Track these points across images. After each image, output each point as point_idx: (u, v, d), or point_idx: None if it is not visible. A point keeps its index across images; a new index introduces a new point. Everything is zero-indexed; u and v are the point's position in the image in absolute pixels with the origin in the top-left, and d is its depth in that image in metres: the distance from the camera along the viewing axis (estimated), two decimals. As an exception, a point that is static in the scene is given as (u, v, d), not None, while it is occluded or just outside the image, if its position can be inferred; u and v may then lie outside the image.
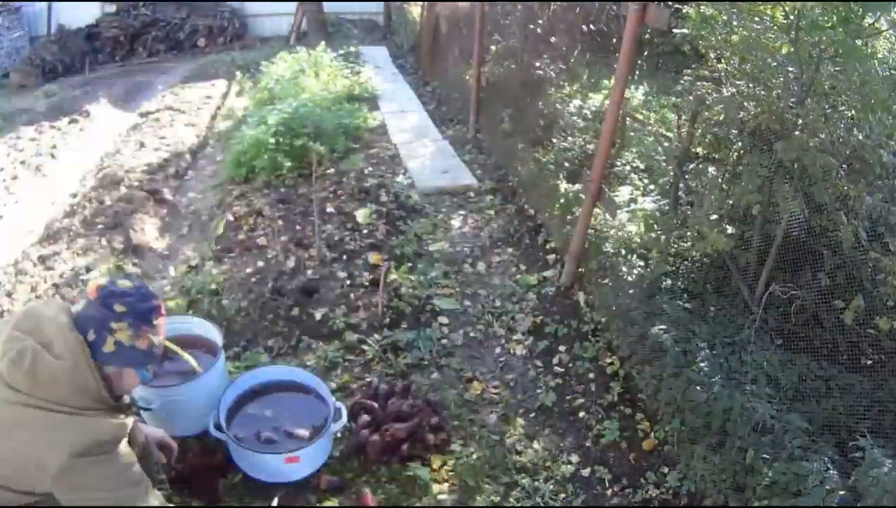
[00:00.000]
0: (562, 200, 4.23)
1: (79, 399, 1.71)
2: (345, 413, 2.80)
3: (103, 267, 4.22)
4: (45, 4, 10.81)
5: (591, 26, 4.93)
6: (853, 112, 2.61)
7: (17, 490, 1.73)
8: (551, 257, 4.38)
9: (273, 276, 3.98)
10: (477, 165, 6.02)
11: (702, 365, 2.74)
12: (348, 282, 3.98)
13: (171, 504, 1.98)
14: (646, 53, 4.66)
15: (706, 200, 3.19)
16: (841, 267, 2.83)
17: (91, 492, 1.72)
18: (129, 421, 1.88)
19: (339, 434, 2.90)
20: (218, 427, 2.65)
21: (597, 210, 3.91)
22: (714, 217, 3.12)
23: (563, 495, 2.75)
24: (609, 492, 2.78)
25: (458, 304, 3.96)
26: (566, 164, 4.57)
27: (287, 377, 3.02)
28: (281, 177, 5.40)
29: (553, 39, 5.13)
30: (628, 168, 4.31)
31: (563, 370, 3.46)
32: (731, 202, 3.14)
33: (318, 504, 2.60)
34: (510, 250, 4.60)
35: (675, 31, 3.20)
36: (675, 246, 3.49)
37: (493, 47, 6.11)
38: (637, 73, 4.54)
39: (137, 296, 1.81)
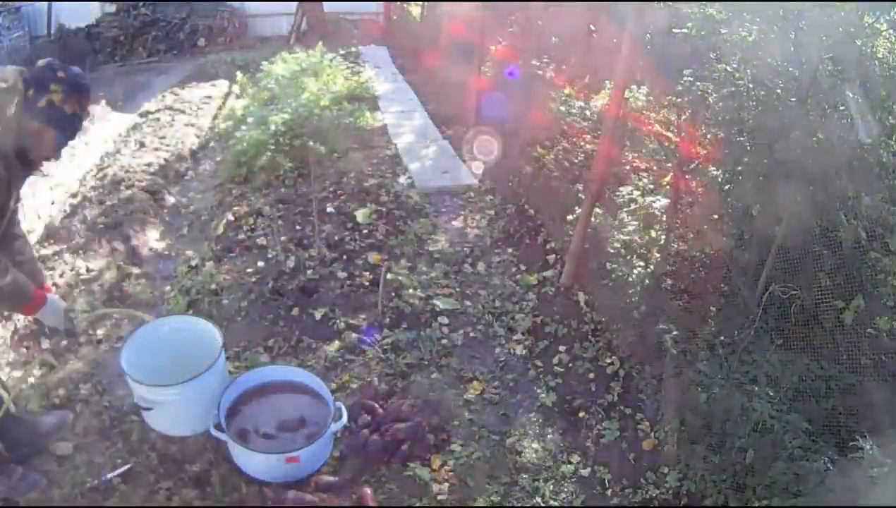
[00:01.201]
0: (562, 200, 4.23)
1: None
2: (345, 413, 2.80)
3: (103, 267, 4.22)
4: (45, 4, 10.81)
5: (592, 27, 4.93)
6: (852, 112, 2.61)
7: None
8: (551, 257, 4.38)
9: (273, 276, 3.98)
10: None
11: (702, 365, 2.74)
12: (348, 282, 3.98)
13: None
14: (646, 54, 4.65)
15: (706, 200, 3.19)
16: (841, 267, 2.83)
17: None
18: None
19: (338, 435, 2.90)
20: (218, 426, 2.65)
21: (597, 210, 3.91)
22: (714, 217, 3.12)
23: (563, 495, 2.75)
24: (609, 492, 2.78)
25: (458, 304, 3.96)
26: (566, 164, 4.57)
27: (287, 377, 3.02)
28: (281, 177, 5.39)
29: (554, 40, 5.14)
30: (628, 168, 4.32)
31: (563, 370, 3.46)
32: (733, 203, 3.14)
33: (317, 504, 2.60)
34: (510, 250, 4.60)
35: (675, 30, 3.20)
36: (676, 246, 3.49)
37: (493, 47, 6.10)
38: (638, 74, 4.54)
39: (79, 75, 2.25)
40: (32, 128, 2.18)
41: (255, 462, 2.63)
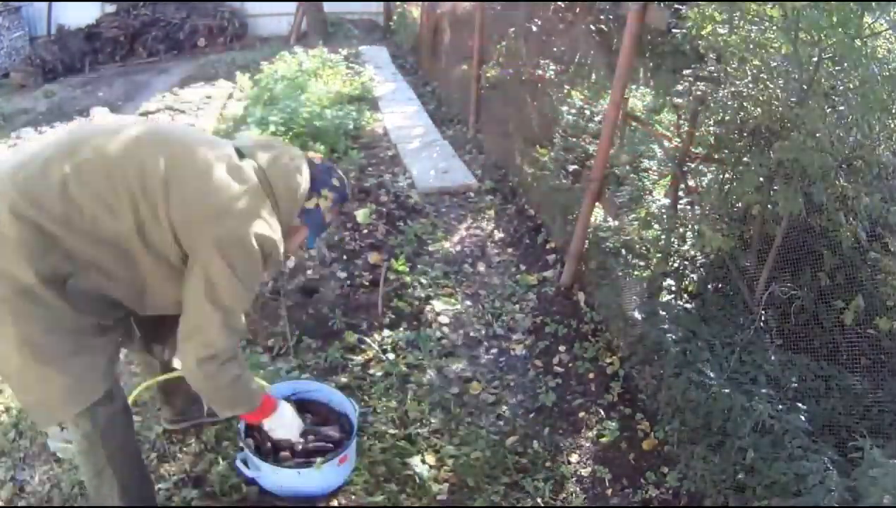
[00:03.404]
0: (562, 200, 4.24)
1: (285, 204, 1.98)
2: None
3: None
4: (45, 4, 10.81)
5: (592, 26, 4.93)
6: (852, 112, 2.61)
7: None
8: (551, 257, 4.38)
9: (273, 276, 3.98)
10: (477, 165, 6.03)
11: (702, 365, 2.73)
12: (348, 282, 3.98)
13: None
14: (647, 54, 4.65)
15: (706, 200, 3.19)
16: (841, 267, 2.83)
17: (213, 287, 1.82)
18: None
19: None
20: (245, 461, 2.48)
21: (597, 210, 3.91)
22: (714, 216, 3.12)
23: (563, 495, 2.75)
24: (609, 492, 2.78)
25: (459, 304, 3.96)
26: (566, 165, 4.57)
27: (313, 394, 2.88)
28: (281, 177, 5.39)
29: (554, 39, 5.13)
30: (628, 168, 4.31)
31: (563, 370, 3.46)
32: (733, 203, 3.14)
33: (317, 504, 2.60)
34: (510, 250, 4.60)
35: (674, 30, 3.20)
36: (675, 245, 3.49)
37: (495, 46, 6.11)
38: (642, 74, 4.54)
39: (344, 183, 2.20)
40: (293, 226, 2.09)
41: (307, 480, 2.45)
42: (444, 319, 3.82)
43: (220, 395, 2.00)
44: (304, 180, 2.03)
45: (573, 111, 4.89)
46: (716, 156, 3.26)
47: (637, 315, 3.20)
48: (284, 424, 2.35)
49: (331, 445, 2.55)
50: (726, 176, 3.21)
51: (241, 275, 1.81)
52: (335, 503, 2.62)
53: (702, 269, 3.40)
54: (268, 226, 1.87)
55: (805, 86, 2.68)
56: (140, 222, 1.73)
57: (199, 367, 1.85)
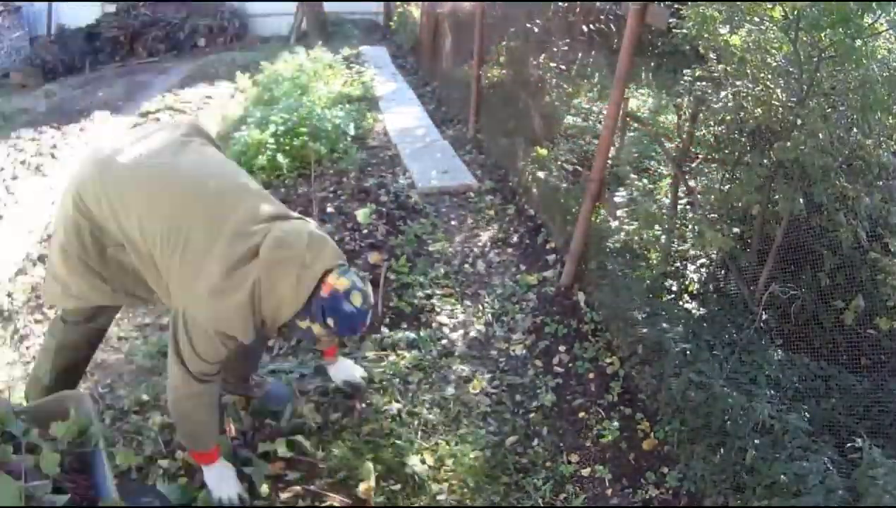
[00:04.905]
0: (562, 200, 4.24)
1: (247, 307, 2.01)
2: None
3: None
4: (45, 4, 10.83)
5: (592, 26, 4.93)
6: (852, 112, 2.62)
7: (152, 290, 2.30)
8: (551, 257, 4.38)
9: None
10: (477, 165, 6.03)
11: (702, 365, 2.73)
12: (348, 282, 3.98)
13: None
14: (649, 54, 4.66)
15: (706, 200, 3.20)
16: (841, 267, 2.83)
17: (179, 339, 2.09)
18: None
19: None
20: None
21: (597, 210, 3.90)
22: (714, 216, 3.12)
23: (563, 495, 2.75)
24: (609, 492, 2.78)
25: (459, 304, 3.96)
26: (566, 165, 4.57)
27: None
28: (281, 176, 5.40)
29: (554, 39, 5.14)
30: (628, 168, 4.32)
31: (563, 370, 3.46)
32: (733, 203, 3.14)
33: (316, 504, 2.60)
34: (510, 250, 4.60)
35: (674, 30, 3.20)
36: (675, 245, 3.49)
37: (494, 47, 6.11)
38: (643, 74, 4.55)
39: (349, 324, 2.09)
40: (293, 324, 2.13)
41: None
42: (444, 319, 3.82)
43: (176, 420, 2.34)
44: (293, 303, 2.04)
45: (573, 111, 4.90)
46: (716, 156, 3.26)
47: (637, 315, 3.19)
48: (218, 481, 2.43)
49: None
50: (726, 176, 3.21)
51: (200, 350, 2.07)
52: (334, 502, 2.62)
53: (702, 269, 3.41)
54: (235, 327, 2.04)
55: (805, 87, 2.68)
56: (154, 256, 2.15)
57: (169, 393, 2.22)
